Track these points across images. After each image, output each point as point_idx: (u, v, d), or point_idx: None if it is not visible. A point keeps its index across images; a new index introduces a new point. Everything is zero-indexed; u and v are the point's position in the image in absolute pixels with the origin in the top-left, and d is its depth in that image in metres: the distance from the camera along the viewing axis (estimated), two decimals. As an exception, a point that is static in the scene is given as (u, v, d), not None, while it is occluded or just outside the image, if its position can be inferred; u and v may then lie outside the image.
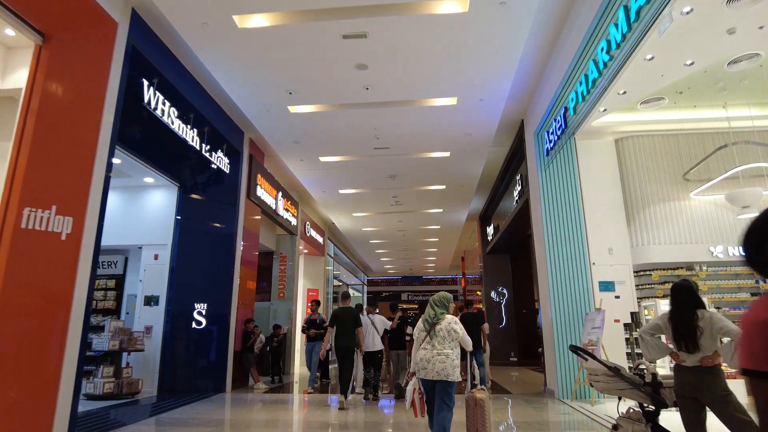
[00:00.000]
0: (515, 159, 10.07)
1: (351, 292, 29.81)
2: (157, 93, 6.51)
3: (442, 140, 9.00)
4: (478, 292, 22.16)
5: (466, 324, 5.43)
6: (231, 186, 9.03)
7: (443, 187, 11.72)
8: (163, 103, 6.66)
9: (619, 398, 3.65)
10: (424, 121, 8.22)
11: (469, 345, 4.32)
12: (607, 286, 7.46)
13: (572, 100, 6.30)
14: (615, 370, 3.35)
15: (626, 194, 7.79)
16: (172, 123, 6.89)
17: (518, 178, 10.02)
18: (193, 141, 7.51)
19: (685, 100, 7.29)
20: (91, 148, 4.99)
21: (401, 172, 10.65)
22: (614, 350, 6.86)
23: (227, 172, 8.82)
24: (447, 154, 9.65)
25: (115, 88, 5.33)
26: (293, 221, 12.37)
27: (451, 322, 4.27)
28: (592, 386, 3.62)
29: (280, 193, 11.21)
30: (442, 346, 4.10)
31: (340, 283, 25.76)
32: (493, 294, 15.19)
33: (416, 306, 34.67)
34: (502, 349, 14.55)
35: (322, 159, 9.87)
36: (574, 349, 3.84)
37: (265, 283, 12.88)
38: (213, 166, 8.29)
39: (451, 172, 10.67)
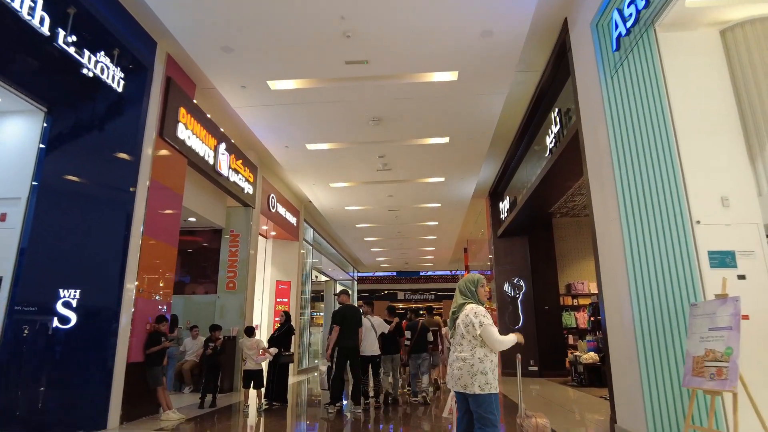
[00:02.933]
0: (552, 85, 7.08)
1: (339, 288, 26.79)
2: None
3: (445, 45, 5.99)
4: (488, 290, 19.16)
5: None
6: (131, 116, 6.03)
7: (446, 140, 8.71)
8: None
9: None
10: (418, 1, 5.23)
11: (497, 343, 3.20)
12: (722, 259, 4.47)
13: None
14: None
15: (745, 113, 4.81)
16: (-28, -36, 3.89)
17: (555, 114, 7.04)
18: (32, 16, 4.51)
19: None
20: None
21: (388, 112, 7.65)
22: (757, 373, 3.87)
23: (120, 91, 5.81)
24: (453, 75, 6.65)
25: None
26: (247, 188, 9.37)
27: (470, 313, 3.27)
28: None
29: (223, 146, 8.21)
30: (460, 347, 3.26)
31: (327, 278, 22.73)
32: (506, 287, 12.20)
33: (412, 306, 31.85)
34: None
35: (273, 85, 6.86)
36: None
37: (223, 272, 9.86)
38: (86, 72, 5.25)
39: (459, 111, 7.67)
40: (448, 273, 32.40)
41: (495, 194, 12.68)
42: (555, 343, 11.38)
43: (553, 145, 7.23)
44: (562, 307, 11.73)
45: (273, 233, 12.30)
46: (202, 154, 7.50)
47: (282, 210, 11.69)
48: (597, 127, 5.17)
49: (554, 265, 11.88)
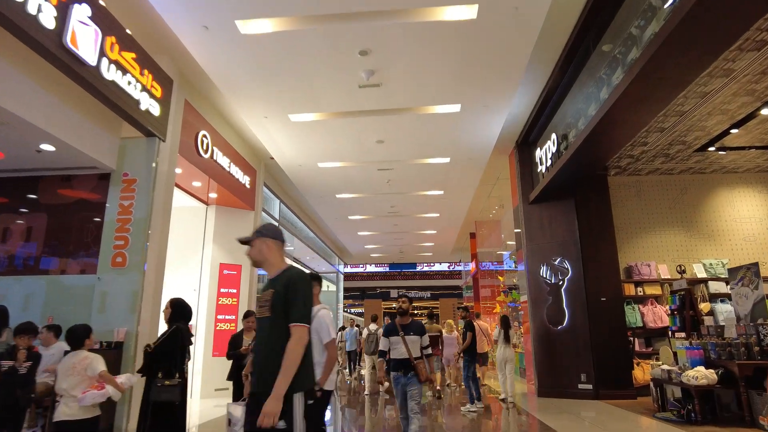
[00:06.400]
0: None
1: (325, 285, 23.16)
2: None
3: None
4: (502, 280, 15.65)
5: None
6: None
7: (472, 11, 5.17)
8: None
9: None
10: None
11: None
12: None
13: None
14: None
15: None
16: None
17: None
18: None
19: None
20: None
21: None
22: None
23: None
24: None
25: None
26: (149, 105, 5.75)
27: None
28: None
29: (83, 9, 4.62)
30: None
31: (315, 271, 19.15)
32: (543, 270, 8.69)
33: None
34: (563, 368, 8.09)
35: None
36: None
37: (108, 239, 6.25)
38: None
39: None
40: (446, 269, 29.32)
41: (526, 143, 9.18)
42: (616, 350, 7.89)
43: (690, -27, 3.73)
44: (624, 299, 8.28)
45: (213, 195, 8.71)
46: (17, 8, 3.92)
47: (224, 161, 8.11)
48: None
49: (613, 239, 8.41)
